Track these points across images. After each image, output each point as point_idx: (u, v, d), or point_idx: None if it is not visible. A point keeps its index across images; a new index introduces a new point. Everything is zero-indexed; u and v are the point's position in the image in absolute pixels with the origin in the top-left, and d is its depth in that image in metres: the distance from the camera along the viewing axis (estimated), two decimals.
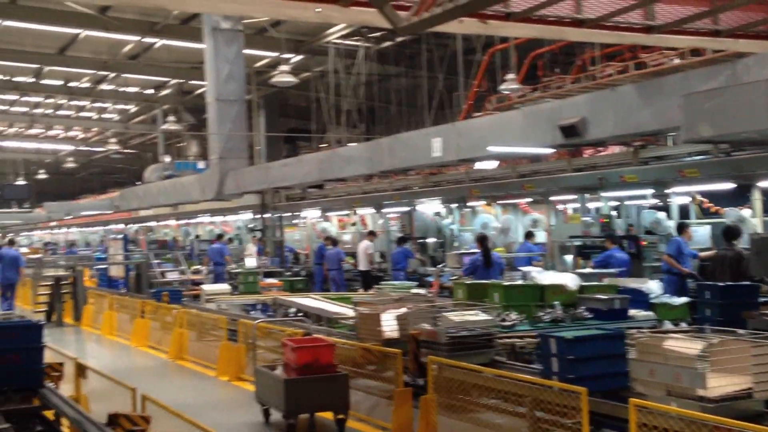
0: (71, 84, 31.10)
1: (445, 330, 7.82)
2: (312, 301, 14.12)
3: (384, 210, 21.27)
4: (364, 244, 18.46)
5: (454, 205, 18.82)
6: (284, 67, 19.98)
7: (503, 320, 8.64)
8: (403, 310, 8.84)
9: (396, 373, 8.03)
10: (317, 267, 20.12)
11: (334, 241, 19.73)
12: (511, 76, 17.52)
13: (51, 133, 43.24)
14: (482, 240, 12.49)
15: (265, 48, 24.63)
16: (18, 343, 7.59)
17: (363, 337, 9.13)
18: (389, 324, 8.74)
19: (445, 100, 22.69)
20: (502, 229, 17.68)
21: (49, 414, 7.54)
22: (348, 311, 12.69)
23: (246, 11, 10.16)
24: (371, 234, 19.15)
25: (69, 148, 45.94)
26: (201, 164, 28.56)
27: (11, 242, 22.34)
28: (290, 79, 19.90)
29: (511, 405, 6.68)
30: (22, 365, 7.54)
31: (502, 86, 17.83)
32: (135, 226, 39.26)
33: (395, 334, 8.61)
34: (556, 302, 9.03)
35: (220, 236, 23.11)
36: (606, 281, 10.56)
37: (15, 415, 6.98)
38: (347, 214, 23.89)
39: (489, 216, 18.41)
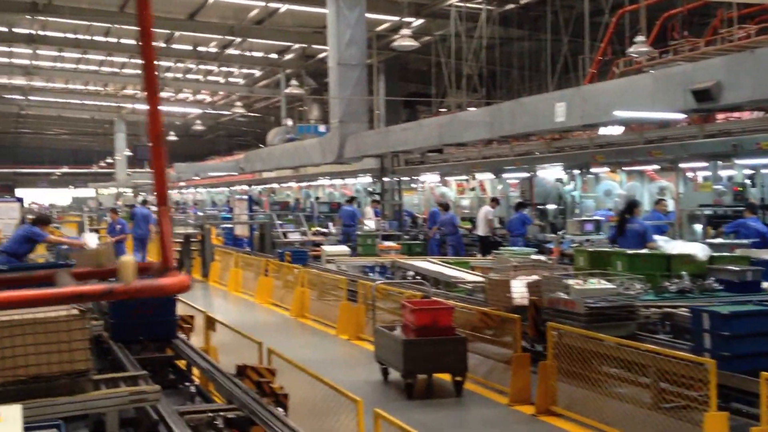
0: (200, 49, 32.10)
1: (583, 300, 7.62)
2: (430, 264, 14.21)
3: (504, 175, 21.06)
4: (485, 210, 18.36)
5: (576, 171, 18.44)
6: (405, 31, 19.94)
7: (627, 289, 8.42)
8: (534, 277, 8.74)
9: (515, 339, 8.00)
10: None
11: (447, 206, 19.70)
12: (640, 38, 16.87)
13: (180, 96, 44.84)
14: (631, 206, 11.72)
15: (387, 12, 24.63)
16: (153, 296, 7.96)
17: (492, 303, 9.09)
18: (519, 291, 8.66)
19: (569, 63, 22.11)
20: (626, 196, 17.20)
21: (181, 363, 7.92)
22: (466, 275, 12.71)
23: None
24: (493, 200, 19.03)
25: (197, 111, 47.58)
26: (322, 128, 29.00)
27: (144, 202, 23.47)
28: (411, 43, 19.84)
29: (634, 374, 6.55)
30: (157, 317, 7.92)
31: (631, 49, 17.21)
32: (258, 188, 40.42)
33: (525, 302, 8.54)
34: (683, 273, 8.72)
35: (352, 199, 23.44)
36: (738, 252, 10.12)
37: (150, 363, 7.36)
38: (466, 179, 23.81)
39: (613, 183, 17.96)
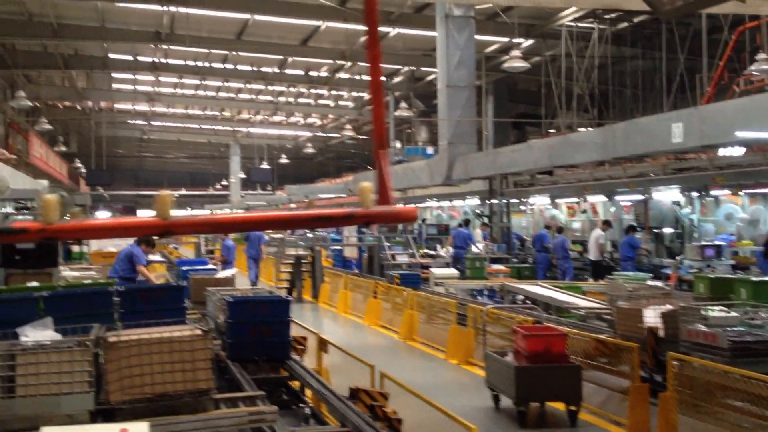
0: (311, 73, 32.85)
1: (724, 333, 7.25)
2: (540, 289, 14.00)
3: (616, 198, 20.57)
4: (596, 233, 17.98)
5: (694, 194, 17.81)
6: (515, 53, 19.84)
7: (752, 319, 8.05)
8: (668, 307, 8.45)
9: (632, 368, 7.77)
10: (540, 255, 19.92)
11: (560, 229, 19.40)
12: (762, 56, 16.22)
13: (292, 120, 45.95)
14: None
15: (496, 33, 24.56)
16: (268, 316, 8.17)
17: (622, 333, 8.83)
18: (653, 320, 8.39)
19: (685, 82, 21.44)
20: (750, 220, 16.50)
21: (295, 384, 8.06)
22: (578, 301, 12.45)
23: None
24: (605, 223, 18.62)
25: (307, 134, 48.62)
26: (430, 149, 29.11)
27: None
28: (521, 64, 19.72)
29: (761, 408, 6.24)
30: (272, 337, 8.10)
31: (752, 67, 16.56)
32: None
33: (660, 332, 8.26)
34: None
35: (467, 222, 23.40)
36: None
37: (265, 383, 7.52)
38: (577, 202, 23.37)
39: (734, 206, 17.26)
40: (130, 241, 18.45)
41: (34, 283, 8.71)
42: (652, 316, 8.39)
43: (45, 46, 28.35)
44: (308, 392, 7.70)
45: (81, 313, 6.07)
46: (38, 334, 5.42)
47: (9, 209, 17.27)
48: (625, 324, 8.80)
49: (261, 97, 38.87)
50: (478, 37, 22.11)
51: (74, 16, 25.07)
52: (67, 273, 11.91)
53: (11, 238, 2.30)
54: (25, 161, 29.70)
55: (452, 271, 17.91)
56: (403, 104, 28.50)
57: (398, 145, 32.01)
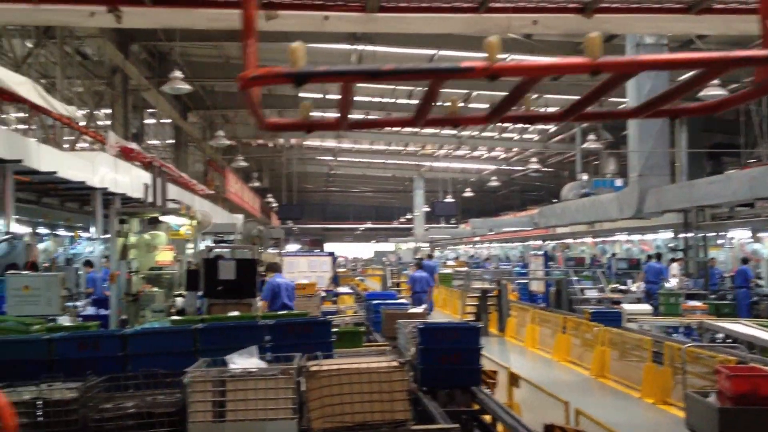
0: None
1: None
2: (743, 327, 13.17)
3: None
4: None
5: None
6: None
7: None
8: None
9: None
10: (741, 291, 18.70)
11: (744, 260, 18.19)
12: None
13: (475, 153, 46.16)
14: None
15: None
16: (459, 343, 8.20)
17: None
18: None
19: None
20: None
21: (487, 418, 8.01)
22: None
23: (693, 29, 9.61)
24: None
25: (491, 167, 48.63)
26: (619, 182, 28.22)
27: (429, 256, 24.40)
28: (719, 92, 18.76)
29: None
30: (462, 364, 8.11)
31: None
32: (552, 243, 40.15)
33: None
34: None
35: (658, 256, 22.51)
36: None
37: (456, 415, 7.53)
38: None
39: None
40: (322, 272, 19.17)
41: (235, 313, 9.26)
42: None
43: None
44: (500, 427, 7.62)
45: (296, 342, 6.37)
46: (245, 361, 5.73)
47: (209, 242, 18.39)
48: None
49: (445, 132, 39.37)
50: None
51: (268, 58, 26.58)
52: (261, 304, 12.52)
53: (456, 76, 2.45)
54: (222, 196, 31.71)
55: (645, 307, 17.22)
56: (591, 136, 27.91)
57: (585, 177, 31.28)
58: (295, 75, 2.39)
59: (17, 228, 12.33)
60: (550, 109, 30.61)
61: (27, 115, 16.00)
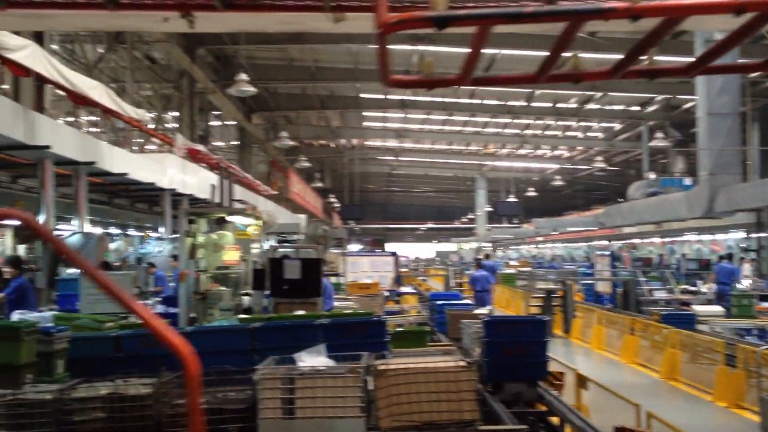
0: (559, 105, 32.51)
1: None
2: None
3: None
4: None
5: None
6: None
7: None
8: None
9: None
10: None
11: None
12: None
13: (538, 152, 45.69)
14: None
15: (762, 56, 22.95)
16: (524, 336, 8.12)
17: None
18: None
19: None
20: None
21: (554, 420, 7.91)
22: None
23: None
24: None
25: (555, 166, 48.07)
26: (687, 180, 27.60)
27: (487, 256, 24.33)
28: None
29: None
30: (528, 357, 8.03)
31: None
32: (618, 243, 39.49)
33: None
34: None
35: (730, 256, 21.94)
36: None
37: (522, 416, 7.45)
38: None
39: None
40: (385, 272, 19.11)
41: (301, 312, 9.33)
42: None
43: (303, 88, 30.58)
44: (568, 429, 7.52)
45: (351, 342, 6.39)
46: (313, 359, 5.76)
47: (272, 242, 18.58)
48: None
49: (507, 131, 39.05)
50: (742, 61, 20.74)
51: (330, 60, 26.82)
52: None
53: (598, 17, 2.43)
54: (285, 197, 32.03)
55: (716, 309, 16.80)
56: (659, 134, 27.35)
57: (652, 176, 30.68)
58: (436, 18, 2.38)
59: (90, 228, 12.65)
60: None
61: (98, 118, 16.43)
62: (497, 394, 7.85)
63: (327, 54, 26.10)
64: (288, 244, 17.47)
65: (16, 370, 5.46)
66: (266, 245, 16.49)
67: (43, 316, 7.67)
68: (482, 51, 2.99)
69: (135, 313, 1.38)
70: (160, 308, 12.10)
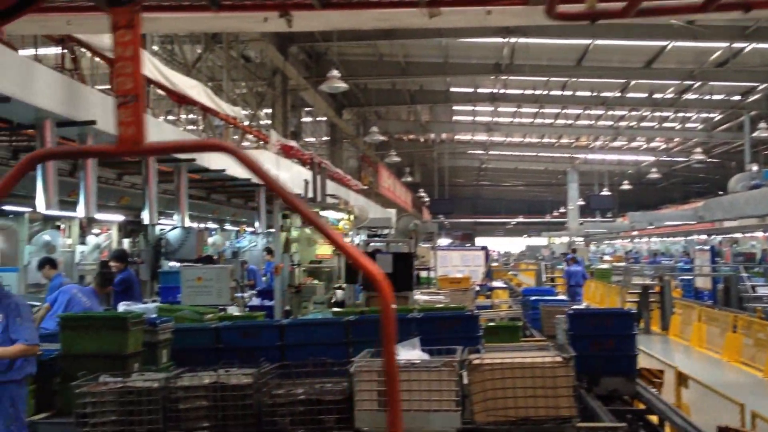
0: (655, 96, 31.65)
1: None
2: None
3: None
4: None
5: None
6: None
7: None
8: None
9: None
10: None
11: None
12: None
13: (633, 144, 44.57)
14: None
15: None
16: (611, 329, 7.97)
17: None
18: None
19: None
20: None
21: (652, 418, 7.74)
22: None
23: None
24: None
25: (650, 158, 46.81)
26: None
27: (573, 250, 24.06)
28: None
29: None
30: (616, 351, 7.88)
31: None
32: (718, 237, 38.15)
33: None
34: None
35: None
36: None
37: (619, 414, 7.31)
38: None
39: None
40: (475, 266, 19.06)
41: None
42: None
43: (393, 83, 30.70)
44: (668, 428, 7.35)
45: (444, 336, 6.41)
46: (409, 353, 5.79)
47: (364, 236, 18.70)
48: None
49: (601, 123, 38.26)
50: None
51: (420, 54, 26.84)
52: (419, 297, 12.60)
53: None
54: (375, 191, 32.22)
55: None
56: (762, 124, 26.32)
57: (755, 167, 29.52)
58: None
59: (189, 222, 13.04)
60: None
61: (196, 116, 16.89)
62: (593, 390, 7.72)
63: (417, 49, 26.14)
64: (378, 239, 17.57)
65: (124, 359, 5.70)
66: (357, 240, 16.66)
67: (148, 307, 7.96)
68: None
69: (340, 248, 1.45)
70: (256, 300, 12.38)
